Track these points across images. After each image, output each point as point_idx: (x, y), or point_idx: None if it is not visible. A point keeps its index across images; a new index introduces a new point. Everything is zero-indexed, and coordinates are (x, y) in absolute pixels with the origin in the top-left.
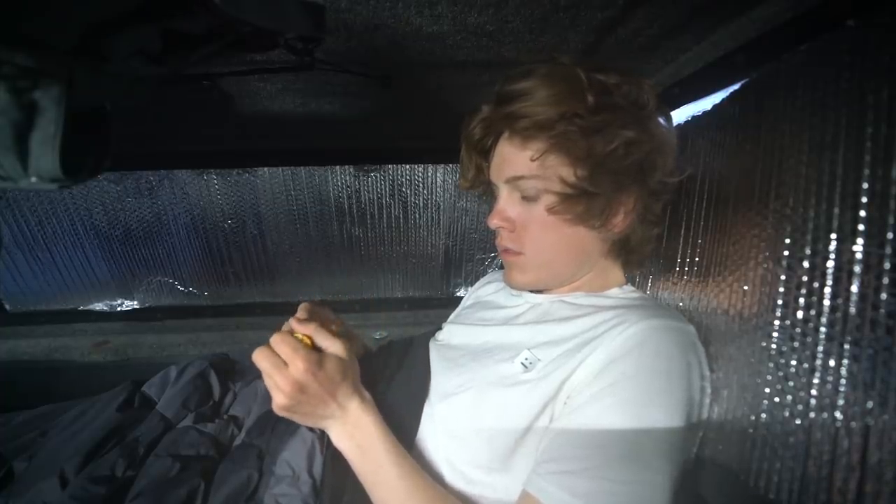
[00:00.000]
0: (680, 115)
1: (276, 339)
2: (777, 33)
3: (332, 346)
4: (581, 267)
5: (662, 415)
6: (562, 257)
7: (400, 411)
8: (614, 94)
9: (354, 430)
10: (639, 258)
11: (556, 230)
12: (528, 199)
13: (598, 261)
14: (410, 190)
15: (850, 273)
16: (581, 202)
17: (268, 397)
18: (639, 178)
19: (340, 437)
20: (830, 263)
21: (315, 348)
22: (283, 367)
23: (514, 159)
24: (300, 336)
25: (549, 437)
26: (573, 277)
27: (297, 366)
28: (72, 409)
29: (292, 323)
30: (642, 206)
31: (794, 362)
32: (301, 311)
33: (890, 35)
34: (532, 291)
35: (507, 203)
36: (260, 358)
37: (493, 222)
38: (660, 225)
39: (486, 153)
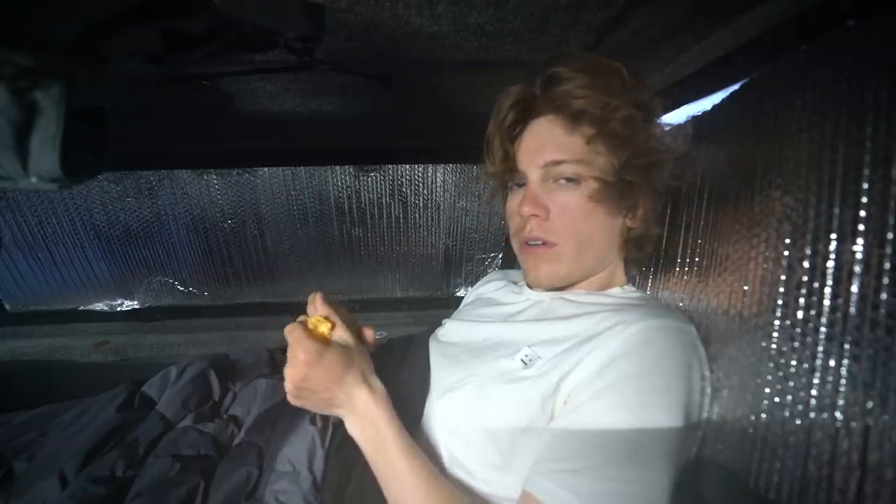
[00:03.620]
0: (680, 115)
1: (287, 329)
2: (777, 33)
3: (342, 334)
4: (603, 261)
5: (663, 414)
6: (594, 248)
7: (401, 408)
8: (638, 93)
9: (364, 423)
10: (641, 257)
11: (595, 219)
12: (566, 184)
13: (613, 258)
14: (410, 190)
15: (850, 273)
16: (619, 192)
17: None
18: (658, 175)
19: (352, 428)
20: (830, 263)
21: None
22: (292, 356)
23: (558, 143)
24: (313, 324)
25: (550, 436)
26: (593, 272)
27: (298, 357)
28: (72, 409)
29: (310, 307)
30: (650, 205)
31: (794, 362)
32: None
33: (890, 35)
34: (531, 287)
35: (541, 189)
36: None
37: (526, 209)
38: (661, 224)
39: (513, 140)
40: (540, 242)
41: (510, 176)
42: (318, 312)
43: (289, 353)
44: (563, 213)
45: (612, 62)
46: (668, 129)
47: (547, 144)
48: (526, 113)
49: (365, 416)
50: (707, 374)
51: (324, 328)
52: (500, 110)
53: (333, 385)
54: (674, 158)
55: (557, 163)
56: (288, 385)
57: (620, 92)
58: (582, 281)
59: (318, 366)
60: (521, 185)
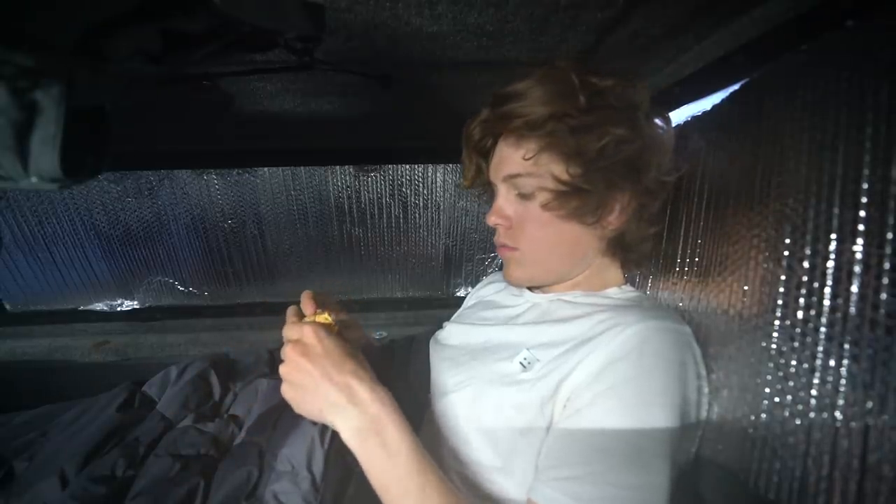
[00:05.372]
0: (680, 115)
1: (286, 328)
2: (777, 33)
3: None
4: (577, 264)
5: (661, 414)
6: (556, 253)
7: (402, 410)
8: (607, 95)
9: (372, 430)
10: (636, 257)
11: (551, 226)
12: (523, 196)
13: (595, 259)
14: (410, 190)
15: (850, 273)
16: (574, 199)
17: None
18: (632, 175)
19: (353, 436)
20: (830, 263)
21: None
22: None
23: (510, 158)
24: (316, 320)
25: (550, 441)
26: (570, 274)
27: (309, 327)
28: (72, 410)
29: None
30: (638, 204)
31: (794, 362)
32: (308, 300)
33: (890, 35)
34: (531, 289)
35: (505, 201)
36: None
37: (492, 220)
38: (657, 224)
39: (485, 154)
40: (507, 246)
41: (487, 187)
42: (316, 311)
43: (287, 349)
44: (521, 223)
45: (563, 69)
46: (644, 125)
47: (504, 159)
48: (489, 130)
49: (373, 421)
50: (703, 372)
51: (328, 320)
52: (468, 128)
53: (333, 369)
54: (662, 155)
55: (513, 176)
56: (284, 367)
57: (561, 101)
58: (562, 283)
59: (320, 344)
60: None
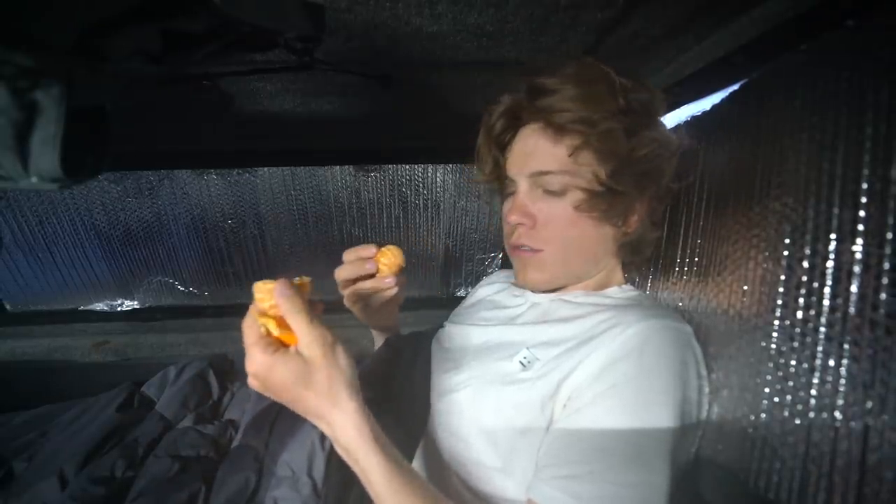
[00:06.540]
0: (680, 115)
1: (244, 323)
2: (777, 33)
3: (303, 339)
4: (594, 266)
5: (661, 413)
6: (581, 255)
7: (405, 411)
8: (636, 100)
9: (341, 444)
10: (640, 260)
11: (581, 227)
12: (552, 194)
13: (608, 261)
14: (410, 190)
15: (850, 273)
16: (606, 200)
17: (261, 397)
18: (657, 180)
19: (335, 444)
20: (830, 263)
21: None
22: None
23: (543, 153)
24: (263, 322)
25: (551, 440)
26: (585, 276)
27: (253, 358)
28: (72, 410)
29: (264, 301)
30: (650, 209)
31: (794, 362)
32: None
33: (890, 35)
34: (542, 291)
35: (528, 198)
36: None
37: (513, 218)
38: (661, 228)
39: (503, 147)
40: (527, 248)
41: (501, 183)
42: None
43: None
44: (549, 222)
45: (602, 67)
46: (665, 132)
47: (533, 154)
48: (515, 121)
49: (337, 438)
50: (703, 372)
51: (272, 327)
52: (490, 119)
53: (289, 399)
54: (673, 162)
55: (543, 173)
56: (249, 378)
57: (608, 99)
58: (574, 284)
59: (269, 379)
60: (513, 192)
